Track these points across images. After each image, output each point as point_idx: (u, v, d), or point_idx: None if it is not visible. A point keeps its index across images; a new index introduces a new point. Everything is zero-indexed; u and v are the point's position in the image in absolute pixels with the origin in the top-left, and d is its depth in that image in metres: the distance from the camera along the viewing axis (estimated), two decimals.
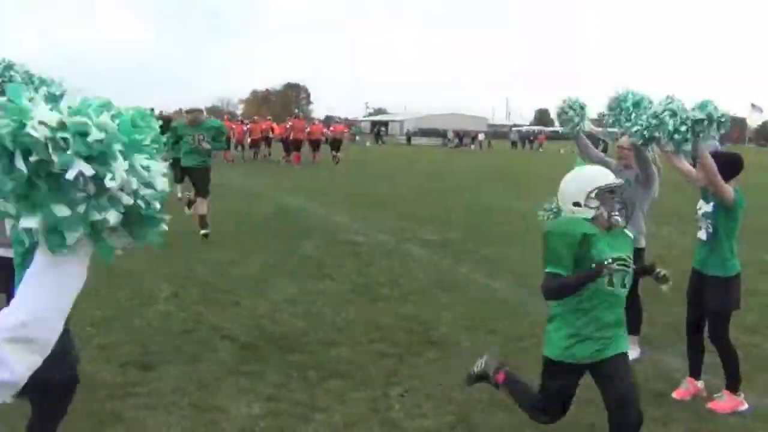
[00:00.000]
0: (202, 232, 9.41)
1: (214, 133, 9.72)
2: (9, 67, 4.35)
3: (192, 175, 9.87)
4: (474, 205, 14.57)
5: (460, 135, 61.71)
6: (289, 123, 28.06)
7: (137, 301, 6.28)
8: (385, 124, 75.21)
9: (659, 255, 8.78)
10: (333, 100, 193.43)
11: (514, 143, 58.19)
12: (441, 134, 64.20)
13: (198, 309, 6.10)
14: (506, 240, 10.23)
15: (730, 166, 4.35)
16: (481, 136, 60.26)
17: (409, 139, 63.51)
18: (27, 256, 1.89)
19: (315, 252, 8.86)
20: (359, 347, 5.27)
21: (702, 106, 4.18)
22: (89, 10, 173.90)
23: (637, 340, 5.22)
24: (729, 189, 4.23)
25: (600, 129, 5.12)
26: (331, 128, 29.94)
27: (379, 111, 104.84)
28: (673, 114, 4.26)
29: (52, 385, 3.01)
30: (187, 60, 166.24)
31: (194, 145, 9.46)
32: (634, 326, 5.25)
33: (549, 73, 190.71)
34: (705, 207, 4.42)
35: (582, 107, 5.44)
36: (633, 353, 5.16)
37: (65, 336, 3.06)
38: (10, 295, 3.24)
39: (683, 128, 4.15)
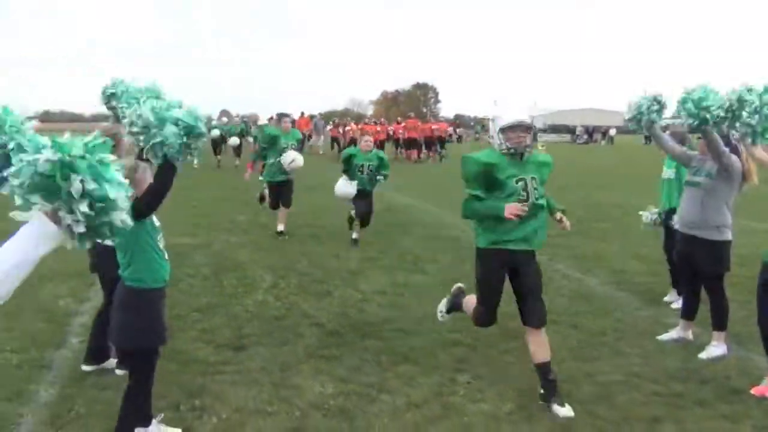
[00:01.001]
0: None
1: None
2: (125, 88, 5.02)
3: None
4: (579, 201, 14.17)
5: (589, 130, 59.70)
6: (404, 123, 29.43)
7: (240, 289, 6.80)
8: None
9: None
10: (462, 98, 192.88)
11: (647, 138, 55.49)
12: (570, 130, 62.36)
13: (293, 298, 6.52)
14: (606, 237, 10.02)
15: None
16: (612, 131, 57.94)
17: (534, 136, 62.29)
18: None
19: (414, 247, 9.11)
20: (436, 336, 5.45)
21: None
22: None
23: (723, 336, 5.04)
24: None
25: (673, 121, 4.99)
26: (435, 127, 30.43)
27: None
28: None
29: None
30: (321, 65, 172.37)
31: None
32: (718, 322, 5.10)
33: (691, 63, 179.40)
34: None
35: (655, 104, 5.33)
36: (718, 350, 5.03)
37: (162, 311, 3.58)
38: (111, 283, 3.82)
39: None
